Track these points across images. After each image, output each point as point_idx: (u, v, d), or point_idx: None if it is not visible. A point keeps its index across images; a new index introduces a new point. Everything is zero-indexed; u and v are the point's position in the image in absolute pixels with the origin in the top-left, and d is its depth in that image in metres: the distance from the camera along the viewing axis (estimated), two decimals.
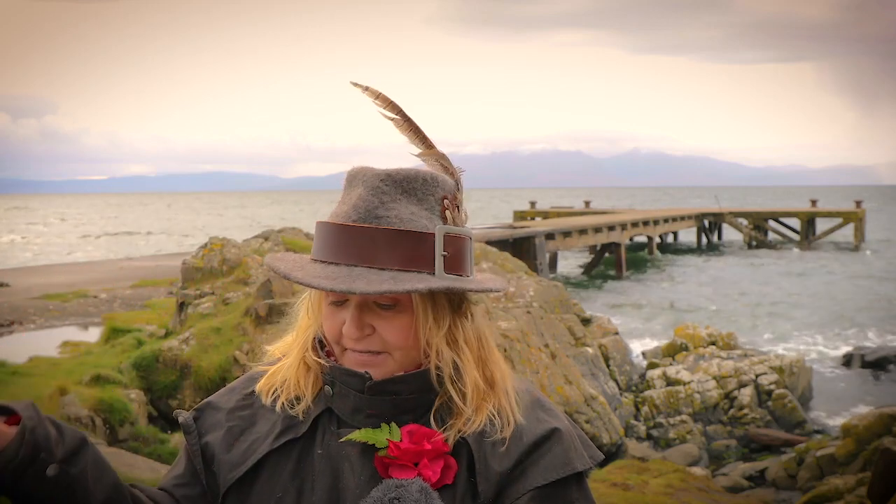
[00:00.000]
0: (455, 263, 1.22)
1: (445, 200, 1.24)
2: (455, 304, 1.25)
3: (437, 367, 1.24)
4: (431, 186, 1.24)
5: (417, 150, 1.32)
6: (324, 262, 1.21)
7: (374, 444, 1.21)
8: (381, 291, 1.13)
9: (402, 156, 1.34)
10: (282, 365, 1.33)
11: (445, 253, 1.21)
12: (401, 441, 1.20)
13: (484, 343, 1.28)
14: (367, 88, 1.30)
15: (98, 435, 7.39)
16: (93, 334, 13.03)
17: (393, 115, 1.31)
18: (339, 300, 1.23)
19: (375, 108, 1.31)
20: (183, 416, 1.33)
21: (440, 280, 1.19)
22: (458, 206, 1.26)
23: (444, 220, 1.23)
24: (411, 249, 1.19)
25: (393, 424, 1.23)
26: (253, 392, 1.35)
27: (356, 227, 1.19)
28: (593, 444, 1.29)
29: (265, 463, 1.27)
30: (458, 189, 1.28)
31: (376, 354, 1.23)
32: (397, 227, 1.19)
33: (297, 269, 1.21)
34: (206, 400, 1.37)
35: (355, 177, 1.25)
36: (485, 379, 1.26)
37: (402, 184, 1.22)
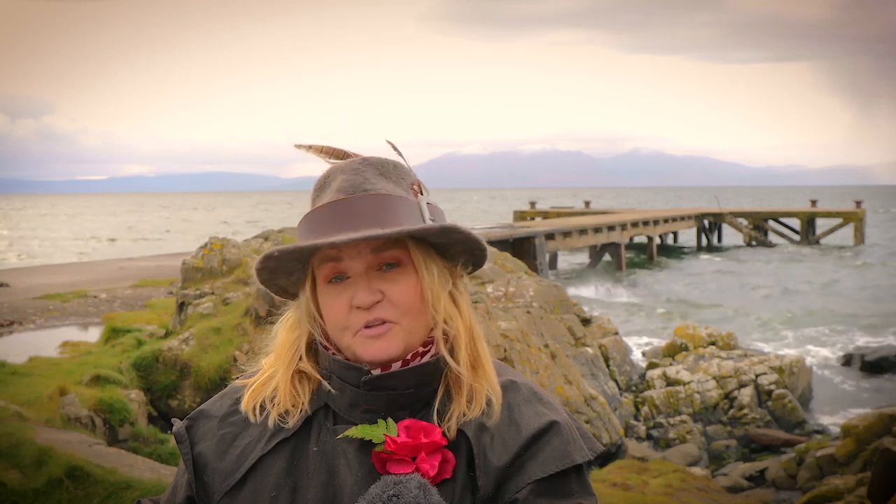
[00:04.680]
0: None
1: (414, 186, 1.30)
2: (450, 268, 1.29)
3: (445, 324, 1.26)
4: (402, 171, 1.31)
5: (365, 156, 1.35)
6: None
7: (371, 440, 1.21)
8: (394, 232, 1.17)
9: (397, 155, 1.37)
10: (266, 378, 1.32)
11: (433, 219, 1.25)
12: (398, 436, 1.20)
13: (474, 325, 1.30)
14: (310, 147, 1.35)
15: (98, 435, 7.39)
16: (93, 334, 13.02)
17: (340, 160, 1.33)
18: (341, 275, 1.23)
19: (323, 160, 1.34)
20: (176, 425, 1.34)
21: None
22: (427, 192, 1.31)
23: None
24: (402, 209, 1.23)
25: (390, 420, 1.23)
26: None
27: (346, 199, 1.22)
28: (593, 437, 1.29)
29: (258, 465, 1.27)
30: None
31: (386, 325, 1.23)
32: (385, 193, 1.24)
33: (295, 243, 1.22)
34: (199, 408, 1.38)
35: (330, 174, 1.29)
36: (475, 357, 1.28)
37: (377, 166, 1.29)
